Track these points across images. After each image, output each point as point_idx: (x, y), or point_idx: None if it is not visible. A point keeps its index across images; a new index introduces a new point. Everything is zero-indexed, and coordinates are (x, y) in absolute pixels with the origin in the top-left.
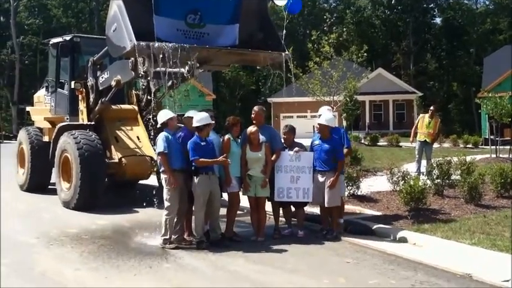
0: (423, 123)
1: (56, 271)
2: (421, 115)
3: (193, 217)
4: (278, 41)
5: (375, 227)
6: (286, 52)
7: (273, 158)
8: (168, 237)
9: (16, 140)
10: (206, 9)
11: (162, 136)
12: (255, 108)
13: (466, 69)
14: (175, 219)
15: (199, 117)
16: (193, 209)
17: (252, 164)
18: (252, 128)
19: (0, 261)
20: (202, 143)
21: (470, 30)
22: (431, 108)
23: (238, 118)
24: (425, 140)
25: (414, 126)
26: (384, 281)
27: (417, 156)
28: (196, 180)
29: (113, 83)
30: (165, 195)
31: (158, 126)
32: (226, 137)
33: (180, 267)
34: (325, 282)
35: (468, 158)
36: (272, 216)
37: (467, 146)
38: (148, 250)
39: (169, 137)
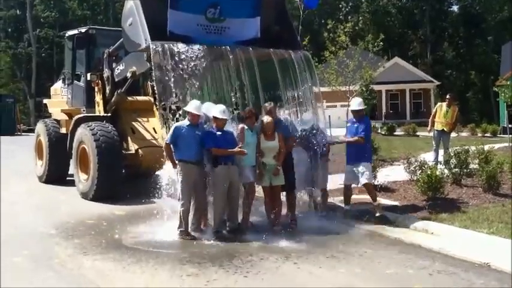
0: (441, 112)
1: (75, 261)
2: (438, 104)
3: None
4: (294, 37)
5: (392, 216)
6: (303, 50)
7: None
8: (183, 228)
9: (34, 133)
10: (226, 3)
11: (173, 126)
12: (266, 105)
13: (484, 57)
14: (193, 211)
15: (214, 109)
16: (210, 199)
17: (266, 152)
18: (267, 119)
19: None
20: (218, 133)
21: (488, 17)
22: (448, 97)
23: (253, 110)
24: (443, 129)
25: (432, 115)
26: (401, 270)
27: (435, 145)
28: (215, 170)
29: (129, 74)
30: (179, 187)
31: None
32: (240, 126)
33: (197, 257)
34: (342, 271)
35: (486, 147)
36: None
37: (486, 135)
38: (166, 240)
39: (183, 128)
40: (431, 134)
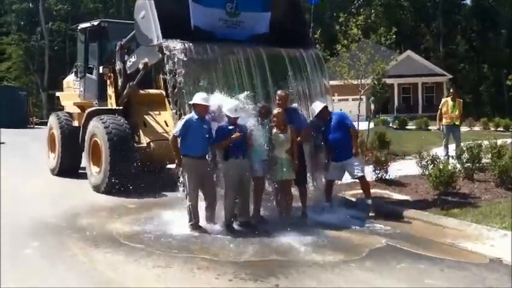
0: (448, 107)
1: (86, 254)
2: (444, 99)
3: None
4: (306, 34)
5: (403, 211)
6: (315, 47)
7: (298, 139)
8: (193, 222)
9: (46, 125)
10: None
11: (183, 119)
12: (280, 92)
13: (497, 51)
14: (205, 204)
15: (226, 107)
16: (221, 192)
17: (277, 146)
18: (276, 111)
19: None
20: (230, 127)
21: (501, 11)
22: (452, 91)
23: (266, 105)
24: (454, 123)
25: (439, 112)
26: (412, 264)
27: (445, 140)
28: (225, 164)
29: (141, 66)
30: (185, 181)
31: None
32: (250, 122)
33: (207, 250)
34: (352, 266)
35: (499, 141)
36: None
37: (498, 129)
38: (177, 233)
39: (192, 121)
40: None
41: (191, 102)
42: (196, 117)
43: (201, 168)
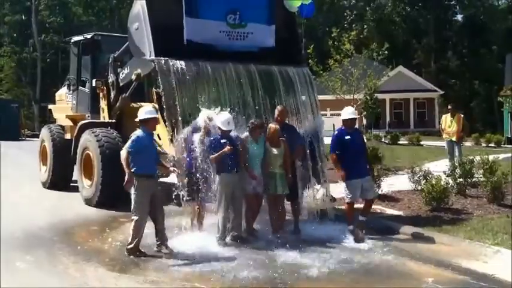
0: (446, 123)
1: (78, 268)
2: (443, 116)
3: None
4: (299, 51)
5: (396, 226)
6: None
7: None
8: (133, 245)
9: (38, 138)
10: (244, 8)
11: (134, 135)
12: (279, 107)
13: (488, 66)
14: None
15: (218, 120)
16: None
17: (271, 159)
18: (272, 125)
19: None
20: (222, 140)
21: (493, 27)
22: (449, 107)
23: (256, 122)
24: (451, 139)
25: (440, 127)
26: (405, 280)
27: (449, 155)
28: (218, 178)
29: (133, 77)
30: (134, 201)
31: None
32: (244, 135)
33: (199, 266)
34: (346, 281)
35: (491, 157)
36: None
37: (490, 145)
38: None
39: (143, 138)
40: (444, 144)
41: (137, 119)
42: (145, 134)
43: (153, 187)
